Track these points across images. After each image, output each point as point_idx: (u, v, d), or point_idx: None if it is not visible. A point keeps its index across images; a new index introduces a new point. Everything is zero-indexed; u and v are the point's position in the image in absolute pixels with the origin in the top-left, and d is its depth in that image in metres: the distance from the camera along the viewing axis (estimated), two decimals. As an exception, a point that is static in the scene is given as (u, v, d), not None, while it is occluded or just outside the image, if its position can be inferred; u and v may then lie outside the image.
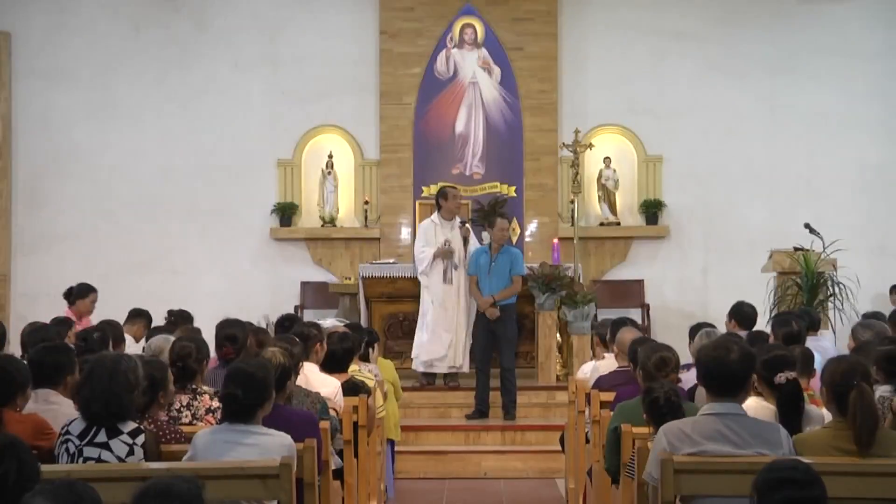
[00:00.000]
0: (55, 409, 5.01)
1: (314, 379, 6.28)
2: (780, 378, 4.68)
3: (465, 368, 10.46)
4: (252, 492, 4.36)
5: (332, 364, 6.73)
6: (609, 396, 6.31)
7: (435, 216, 10.58)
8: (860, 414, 4.22)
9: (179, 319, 8.39)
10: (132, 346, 8.14)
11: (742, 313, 8.04)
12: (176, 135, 12.80)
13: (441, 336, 10.32)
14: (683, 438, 4.23)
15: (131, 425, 4.56)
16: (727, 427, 4.20)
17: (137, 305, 9.45)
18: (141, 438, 4.53)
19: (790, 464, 3.36)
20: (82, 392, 4.61)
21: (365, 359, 8.07)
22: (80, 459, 4.48)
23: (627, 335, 6.87)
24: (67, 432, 4.56)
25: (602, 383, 6.74)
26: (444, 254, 10.32)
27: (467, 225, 10.48)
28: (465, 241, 10.37)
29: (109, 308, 9.31)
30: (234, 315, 7.07)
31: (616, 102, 12.76)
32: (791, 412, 4.65)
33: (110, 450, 4.49)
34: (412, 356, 10.54)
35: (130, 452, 4.49)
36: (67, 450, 4.51)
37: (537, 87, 12.64)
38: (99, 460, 4.48)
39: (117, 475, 4.24)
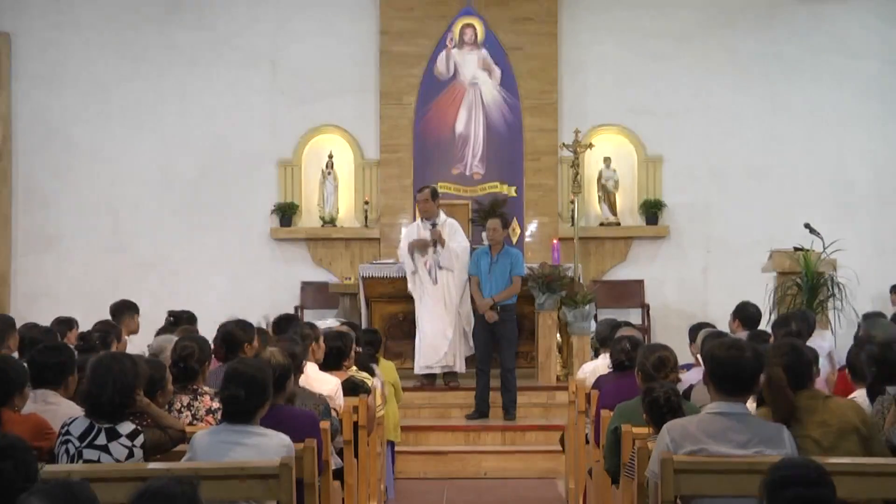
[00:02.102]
0: (54, 409, 5.00)
1: (314, 378, 6.28)
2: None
3: (459, 368, 10.44)
4: (252, 492, 4.37)
5: (327, 362, 6.75)
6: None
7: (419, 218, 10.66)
8: (768, 397, 4.50)
9: (181, 321, 8.37)
10: (129, 342, 8.14)
11: (746, 313, 8.05)
12: (176, 135, 12.80)
13: (429, 336, 10.32)
14: (687, 436, 4.24)
15: (129, 427, 4.55)
16: (732, 427, 4.22)
17: (138, 306, 9.41)
18: (140, 439, 4.53)
19: (801, 462, 3.37)
20: (92, 388, 4.59)
21: (371, 360, 8.10)
22: (80, 461, 4.47)
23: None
24: (68, 432, 4.55)
25: (602, 383, 6.74)
26: (419, 245, 10.31)
27: (437, 227, 10.37)
28: (435, 243, 10.32)
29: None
30: (235, 315, 7.08)
31: (616, 102, 12.76)
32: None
33: (109, 453, 4.49)
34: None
35: (130, 455, 4.49)
36: (67, 451, 4.50)
37: (537, 87, 12.64)
38: (96, 462, 4.47)
39: (117, 475, 4.25)
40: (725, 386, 4.29)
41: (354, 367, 7.29)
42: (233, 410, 4.60)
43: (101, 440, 4.50)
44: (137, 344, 8.70)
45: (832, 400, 4.60)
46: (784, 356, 4.58)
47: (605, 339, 7.81)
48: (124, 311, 9.06)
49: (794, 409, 4.44)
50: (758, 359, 4.37)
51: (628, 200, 12.87)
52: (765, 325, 8.09)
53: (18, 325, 7.47)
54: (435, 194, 10.53)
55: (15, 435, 3.62)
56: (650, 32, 12.81)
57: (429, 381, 10.58)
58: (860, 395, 5.34)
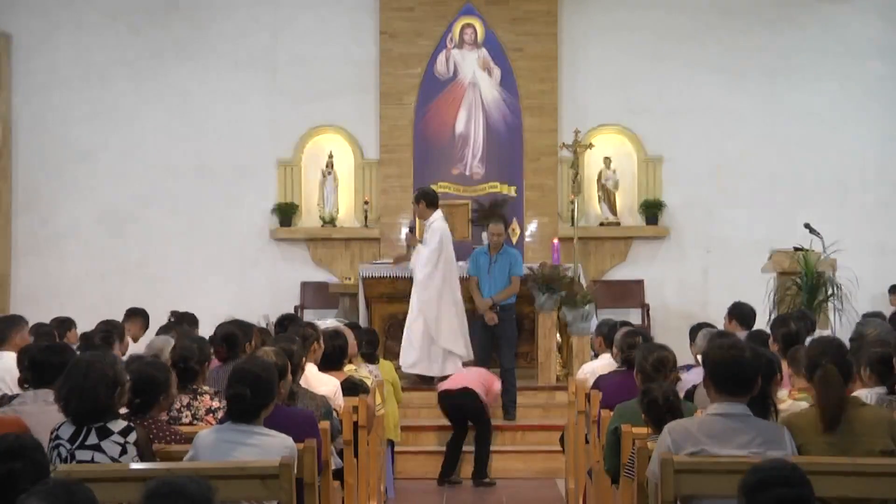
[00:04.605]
0: (53, 409, 5.00)
1: (313, 378, 6.28)
2: None
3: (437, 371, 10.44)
4: (252, 492, 4.36)
5: (326, 362, 6.74)
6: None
7: None
8: (823, 394, 4.41)
9: (183, 321, 8.39)
10: (131, 346, 8.15)
11: (742, 313, 8.06)
12: (176, 135, 12.79)
13: (412, 342, 10.33)
14: (688, 437, 4.24)
15: (121, 424, 4.54)
16: (732, 427, 4.22)
17: (137, 305, 9.44)
18: (132, 436, 4.52)
19: (778, 463, 3.39)
20: (60, 392, 4.60)
21: (372, 359, 8.10)
22: (73, 463, 4.46)
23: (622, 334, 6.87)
24: (57, 437, 4.54)
25: (602, 383, 6.74)
26: (400, 259, 10.52)
27: (409, 233, 10.53)
28: (408, 248, 10.40)
29: (110, 308, 9.31)
30: (235, 315, 7.09)
31: (616, 102, 12.76)
32: (758, 413, 4.65)
33: (103, 451, 4.48)
34: None
35: (123, 451, 4.48)
36: (59, 454, 4.49)
37: (537, 87, 12.64)
38: (92, 463, 4.46)
39: (117, 475, 4.25)
40: (725, 386, 4.29)
41: (353, 367, 7.29)
42: (238, 409, 4.59)
43: (93, 439, 4.49)
44: (137, 343, 8.73)
45: (868, 409, 4.56)
46: (833, 354, 4.57)
47: (607, 339, 7.80)
48: (136, 316, 9.12)
49: (844, 409, 4.39)
50: (757, 359, 4.37)
51: (628, 200, 12.87)
52: (765, 324, 8.08)
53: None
54: (417, 198, 10.49)
55: (27, 435, 3.62)
56: (650, 32, 12.80)
57: (423, 381, 10.54)
58: (862, 394, 5.34)
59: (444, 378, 10.39)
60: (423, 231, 10.41)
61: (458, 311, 10.28)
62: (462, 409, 9.25)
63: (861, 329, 7.03)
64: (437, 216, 10.33)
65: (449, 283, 10.24)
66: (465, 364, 10.17)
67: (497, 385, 9.53)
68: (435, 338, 10.20)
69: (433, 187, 12.12)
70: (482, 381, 9.33)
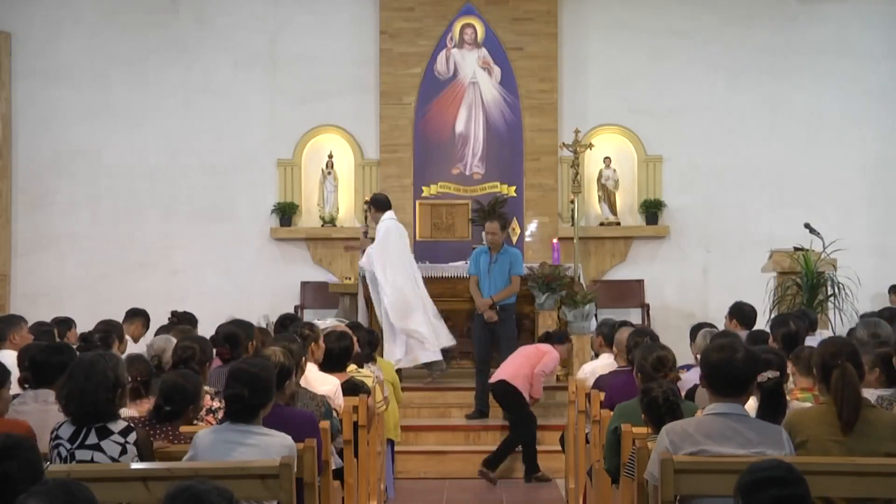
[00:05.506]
0: (53, 409, 5.00)
1: (313, 378, 6.27)
2: (763, 377, 4.70)
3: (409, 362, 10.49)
4: (252, 492, 4.36)
5: (331, 363, 6.73)
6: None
7: None
8: (841, 393, 4.38)
9: (183, 321, 8.38)
10: (131, 346, 8.14)
11: (742, 313, 8.05)
12: (176, 135, 12.80)
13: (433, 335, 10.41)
14: (686, 438, 4.24)
15: (122, 424, 4.54)
16: (731, 427, 4.21)
17: (137, 305, 9.45)
18: (133, 436, 4.52)
19: (773, 463, 3.38)
20: (61, 392, 4.61)
21: (369, 360, 8.10)
22: (73, 463, 4.46)
23: (625, 334, 6.87)
24: (57, 436, 4.54)
25: (602, 383, 6.74)
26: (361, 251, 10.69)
27: (363, 237, 10.90)
28: (362, 251, 10.64)
29: (110, 308, 9.31)
30: (235, 315, 7.08)
31: (616, 102, 12.76)
32: (771, 410, 4.65)
33: (102, 451, 4.48)
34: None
35: (123, 451, 4.48)
36: (59, 454, 4.49)
37: (537, 87, 12.64)
38: (92, 463, 4.46)
39: (117, 475, 4.25)
40: (720, 388, 4.29)
41: (354, 366, 7.29)
42: (236, 410, 4.59)
43: (93, 439, 4.49)
44: (138, 343, 8.72)
45: (877, 411, 4.56)
46: (848, 355, 4.57)
47: (607, 339, 7.80)
48: (136, 317, 9.12)
49: (861, 409, 4.39)
50: (750, 359, 4.35)
51: (628, 200, 12.88)
52: (765, 325, 8.09)
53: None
54: (369, 204, 10.80)
55: (20, 435, 3.61)
56: (650, 32, 12.81)
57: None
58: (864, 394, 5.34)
59: (445, 370, 10.49)
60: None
61: (414, 294, 10.40)
62: (502, 404, 9.39)
63: (866, 329, 7.02)
64: (387, 216, 10.55)
65: (392, 270, 10.36)
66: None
67: (550, 358, 9.32)
68: (394, 323, 10.29)
69: (434, 187, 12.18)
70: (527, 364, 9.25)
